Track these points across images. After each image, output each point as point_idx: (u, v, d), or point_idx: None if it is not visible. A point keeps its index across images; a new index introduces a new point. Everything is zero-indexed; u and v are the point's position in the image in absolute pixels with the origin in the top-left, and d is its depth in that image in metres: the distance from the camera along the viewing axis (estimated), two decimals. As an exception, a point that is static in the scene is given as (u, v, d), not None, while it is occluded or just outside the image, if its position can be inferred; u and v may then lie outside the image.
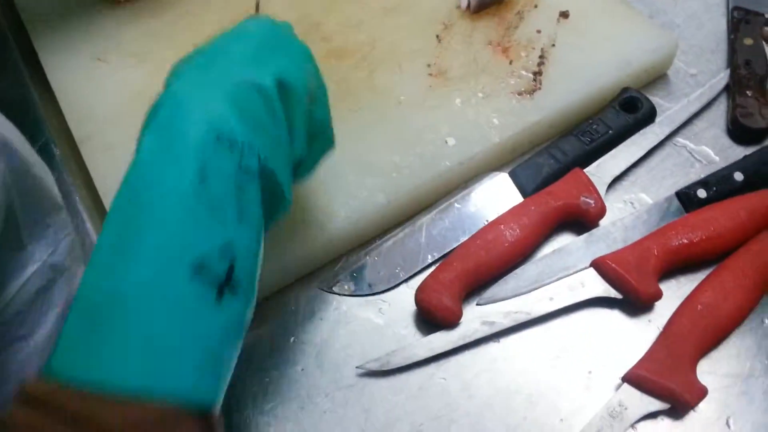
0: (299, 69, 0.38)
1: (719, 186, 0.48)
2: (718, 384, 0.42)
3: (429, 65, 0.54)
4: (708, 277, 0.45)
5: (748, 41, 0.56)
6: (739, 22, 0.58)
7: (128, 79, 0.56)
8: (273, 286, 0.47)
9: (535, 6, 0.58)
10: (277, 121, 0.35)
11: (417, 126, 0.51)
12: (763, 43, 0.57)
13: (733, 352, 0.43)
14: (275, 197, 0.36)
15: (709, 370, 0.42)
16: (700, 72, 0.57)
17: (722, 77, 0.55)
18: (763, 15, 0.59)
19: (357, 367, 0.43)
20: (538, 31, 0.56)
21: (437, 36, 0.56)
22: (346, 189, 0.48)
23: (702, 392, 0.41)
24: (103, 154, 0.51)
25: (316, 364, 0.44)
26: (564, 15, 0.56)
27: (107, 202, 0.48)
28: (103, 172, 0.50)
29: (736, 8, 0.59)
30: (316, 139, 0.40)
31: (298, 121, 0.37)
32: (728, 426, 0.41)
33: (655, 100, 0.54)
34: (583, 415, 0.41)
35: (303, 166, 0.40)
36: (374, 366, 0.43)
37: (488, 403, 0.42)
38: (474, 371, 0.43)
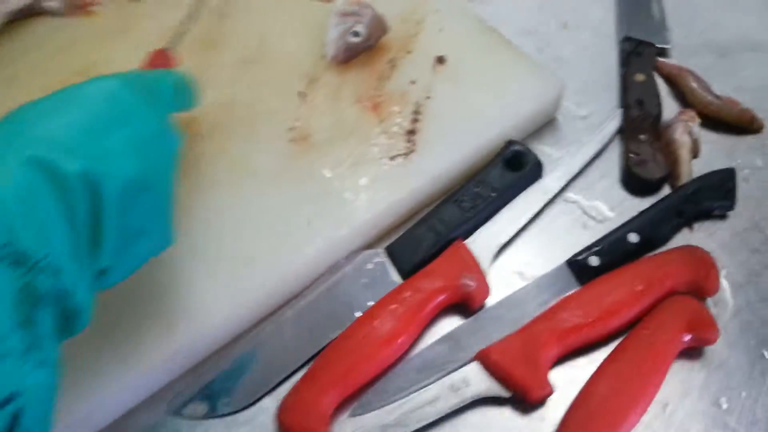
0: (131, 152, 0.32)
1: (613, 251, 0.44)
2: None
3: (290, 129, 0.48)
4: (603, 362, 0.40)
5: (640, 77, 0.52)
6: (630, 54, 0.54)
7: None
8: (107, 413, 0.39)
9: (409, 52, 0.52)
10: (75, 221, 0.29)
11: (275, 204, 0.45)
12: (656, 78, 0.53)
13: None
14: (70, 318, 0.29)
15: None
16: (592, 113, 0.52)
17: (614, 119, 0.51)
18: (653, 45, 0.54)
19: None
20: (412, 82, 0.50)
21: (299, 93, 0.50)
22: (194, 284, 0.42)
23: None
24: None
25: None
26: (440, 61, 0.51)
27: None
28: None
29: (626, 39, 0.55)
30: (140, 238, 0.33)
31: (108, 222, 0.30)
32: None
33: (544, 149, 0.50)
34: None
35: (113, 273, 0.33)
36: None
37: None
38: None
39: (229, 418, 0.40)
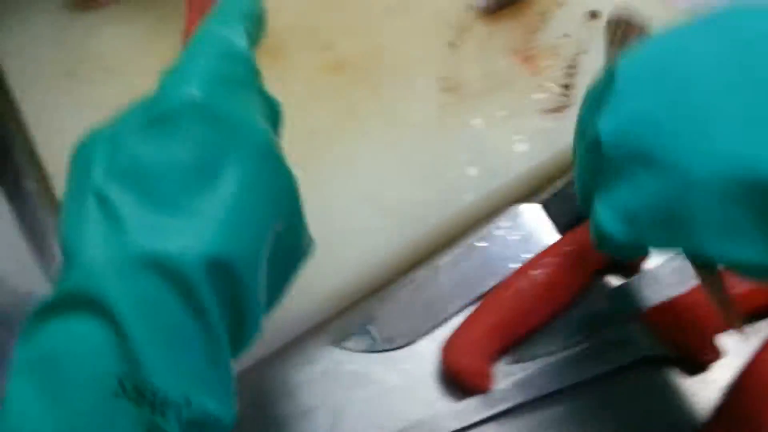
0: (258, 204, 0.26)
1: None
2: None
3: (441, 78, 0.47)
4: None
5: None
6: None
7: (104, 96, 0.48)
8: (276, 340, 0.41)
9: (560, 5, 0.50)
10: (206, 324, 0.23)
11: (432, 153, 0.44)
12: None
13: None
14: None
15: None
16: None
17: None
18: None
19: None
20: (566, 36, 0.49)
21: (449, 43, 0.49)
22: (353, 228, 0.42)
23: None
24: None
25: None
26: (593, 15, 0.50)
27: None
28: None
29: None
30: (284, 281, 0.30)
31: (251, 301, 0.25)
32: None
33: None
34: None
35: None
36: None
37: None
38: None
39: (388, 354, 0.41)
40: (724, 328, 0.39)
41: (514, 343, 0.40)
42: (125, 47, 0.50)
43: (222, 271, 0.23)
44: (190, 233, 0.23)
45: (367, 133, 0.45)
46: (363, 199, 0.43)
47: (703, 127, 0.25)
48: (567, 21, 0.50)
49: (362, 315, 0.42)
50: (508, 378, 0.39)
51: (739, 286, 0.39)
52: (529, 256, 0.42)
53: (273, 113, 0.31)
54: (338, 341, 0.41)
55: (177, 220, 0.24)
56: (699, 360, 0.39)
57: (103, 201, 0.24)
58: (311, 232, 0.32)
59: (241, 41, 0.29)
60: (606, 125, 0.28)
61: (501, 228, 0.44)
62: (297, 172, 0.29)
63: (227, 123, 0.26)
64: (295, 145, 0.32)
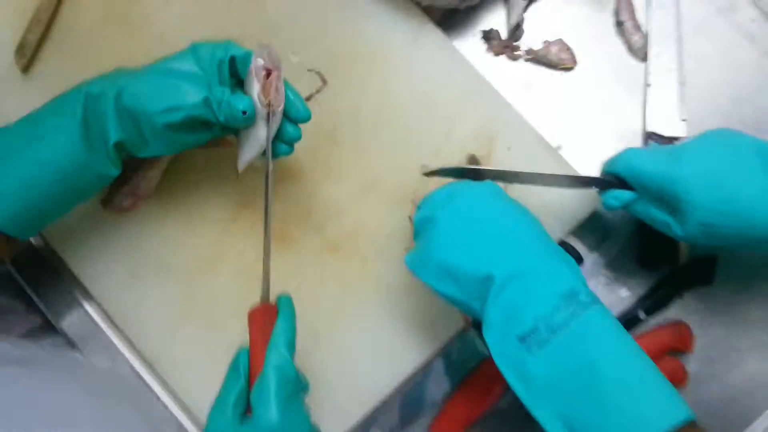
0: None
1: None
2: None
3: (405, 249, 0.68)
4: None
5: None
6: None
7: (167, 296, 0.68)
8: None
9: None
10: None
11: (419, 308, 0.67)
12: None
13: None
14: None
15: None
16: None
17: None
18: (677, 139, 0.70)
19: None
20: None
21: (409, 218, 0.68)
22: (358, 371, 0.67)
23: None
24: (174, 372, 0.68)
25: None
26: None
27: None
28: (186, 389, 0.67)
29: (650, 135, 0.70)
30: None
31: None
32: None
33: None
34: None
35: None
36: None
37: None
38: None
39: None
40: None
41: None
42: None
43: None
44: None
45: (366, 303, 0.68)
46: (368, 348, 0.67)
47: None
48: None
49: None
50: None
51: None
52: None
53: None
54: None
55: None
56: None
57: None
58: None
59: (293, 365, 0.53)
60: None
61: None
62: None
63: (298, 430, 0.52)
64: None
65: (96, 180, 0.59)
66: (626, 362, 0.46)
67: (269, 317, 0.56)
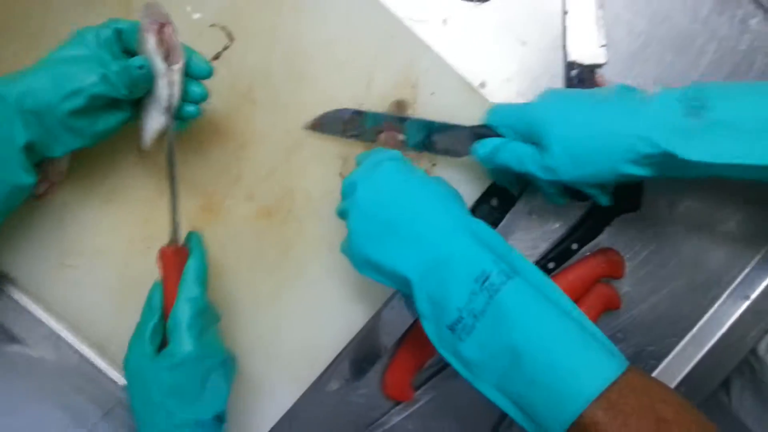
0: None
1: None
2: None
3: (342, 206, 0.68)
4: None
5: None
6: (577, 82, 0.69)
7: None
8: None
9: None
10: None
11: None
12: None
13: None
14: None
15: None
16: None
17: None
18: (599, 66, 0.69)
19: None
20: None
21: (340, 174, 0.68)
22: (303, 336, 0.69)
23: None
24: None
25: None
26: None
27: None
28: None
29: (571, 64, 0.70)
30: None
31: None
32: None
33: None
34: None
35: None
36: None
37: None
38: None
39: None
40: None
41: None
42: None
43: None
44: None
45: (304, 262, 0.68)
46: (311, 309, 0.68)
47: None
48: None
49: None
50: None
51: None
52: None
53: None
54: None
55: None
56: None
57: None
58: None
59: (205, 299, 0.56)
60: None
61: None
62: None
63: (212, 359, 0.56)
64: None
65: (13, 192, 0.56)
66: (545, 337, 0.46)
67: (181, 257, 0.58)
